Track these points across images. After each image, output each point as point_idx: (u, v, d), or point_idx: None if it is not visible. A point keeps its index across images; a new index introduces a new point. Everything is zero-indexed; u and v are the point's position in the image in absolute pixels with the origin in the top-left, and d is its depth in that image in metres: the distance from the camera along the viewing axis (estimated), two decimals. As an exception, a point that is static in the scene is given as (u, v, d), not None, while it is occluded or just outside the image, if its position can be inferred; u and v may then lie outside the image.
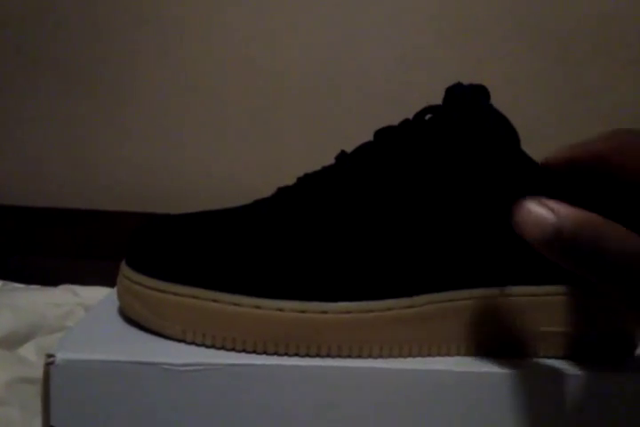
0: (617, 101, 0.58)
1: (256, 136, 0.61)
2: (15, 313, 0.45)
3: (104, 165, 0.62)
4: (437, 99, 0.33)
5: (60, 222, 0.62)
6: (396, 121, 0.32)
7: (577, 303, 0.28)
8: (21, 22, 0.60)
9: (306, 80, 0.60)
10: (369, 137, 0.32)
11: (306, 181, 0.31)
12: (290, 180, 0.33)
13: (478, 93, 0.29)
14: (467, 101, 0.29)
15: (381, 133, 0.30)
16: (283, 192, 0.31)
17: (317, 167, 0.33)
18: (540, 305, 0.27)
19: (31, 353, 0.42)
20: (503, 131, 0.28)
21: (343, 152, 0.31)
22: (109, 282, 0.52)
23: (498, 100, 0.31)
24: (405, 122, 0.30)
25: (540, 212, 0.21)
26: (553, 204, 0.21)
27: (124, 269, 0.29)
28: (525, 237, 0.21)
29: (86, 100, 0.61)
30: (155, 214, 0.59)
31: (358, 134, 0.32)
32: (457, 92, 0.29)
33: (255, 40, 0.59)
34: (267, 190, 0.33)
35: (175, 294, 0.27)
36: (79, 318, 0.47)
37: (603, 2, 0.57)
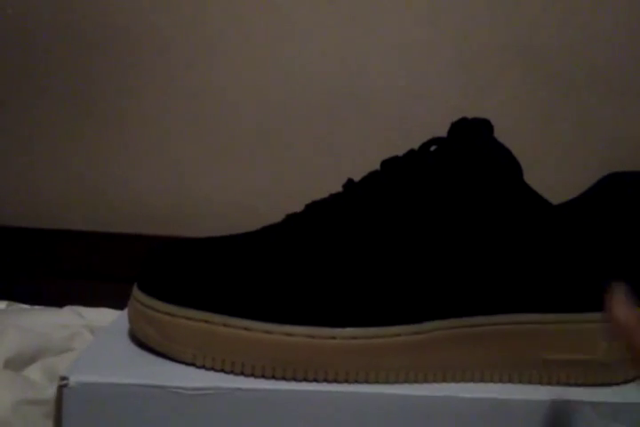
0: (620, 133, 0.60)
1: (261, 161, 0.62)
2: (21, 334, 0.46)
3: (110, 187, 0.63)
4: (438, 126, 0.34)
5: (65, 244, 0.62)
6: (399, 147, 0.33)
7: (581, 331, 0.28)
8: (38, 50, 0.61)
9: (311, 108, 0.61)
10: (373, 163, 0.33)
11: (314, 208, 0.32)
12: (295, 205, 0.34)
13: (482, 127, 0.30)
14: (470, 134, 0.30)
15: (388, 164, 0.31)
16: (291, 219, 0.32)
17: (323, 193, 0.34)
18: (546, 332, 0.28)
19: (37, 375, 0.43)
20: (505, 163, 0.29)
21: (350, 180, 0.32)
22: (114, 303, 0.53)
23: (500, 130, 0.32)
24: (411, 152, 0.31)
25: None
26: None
27: (136, 293, 0.30)
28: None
29: (96, 124, 0.62)
30: (160, 237, 0.60)
31: (363, 160, 0.33)
32: (461, 126, 0.30)
33: (261, 68, 0.61)
34: (270, 214, 0.34)
35: (186, 318, 0.28)
36: (85, 339, 0.48)
37: (602, 31, 0.59)
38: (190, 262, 0.29)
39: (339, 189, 0.32)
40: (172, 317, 0.28)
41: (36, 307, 0.56)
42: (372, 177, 0.31)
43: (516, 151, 0.31)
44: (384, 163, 0.31)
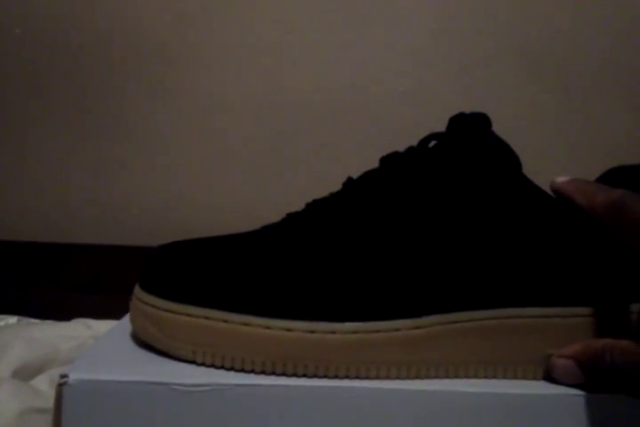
0: (621, 132, 0.59)
1: (268, 171, 0.62)
2: (29, 345, 0.46)
3: (118, 200, 0.64)
4: (443, 129, 0.34)
5: (74, 257, 0.63)
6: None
7: (584, 325, 0.28)
8: (44, 65, 0.63)
9: (315, 113, 0.62)
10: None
11: (313, 206, 0.32)
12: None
13: (479, 121, 0.30)
14: (469, 128, 0.30)
15: (387, 159, 0.31)
16: (291, 217, 0.32)
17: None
18: (547, 327, 0.27)
19: (44, 384, 0.42)
20: (504, 155, 0.29)
21: (350, 178, 0.32)
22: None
23: (505, 133, 0.32)
24: (410, 149, 0.31)
25: (561, 363, 0.27)
26: (565, 351, 0.27)
27: (138, 292, 0.30)
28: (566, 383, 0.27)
29: (102, 139, 0.63)
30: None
31: (368, 166, 0.33)
32: (459, 120, 0.30)
33: (266, 74, 0.62)
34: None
35: (186, 314, 0.27)
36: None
37: (605, 34, 0.59)
38: (190, 260, 0.29)
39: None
40: (171, 314, 0.28)
41: (47, 321, 0.56)
42: (370, 174, 0.31)
43: (520, 152, 0.31)
44: (383, 159, 0.31)
